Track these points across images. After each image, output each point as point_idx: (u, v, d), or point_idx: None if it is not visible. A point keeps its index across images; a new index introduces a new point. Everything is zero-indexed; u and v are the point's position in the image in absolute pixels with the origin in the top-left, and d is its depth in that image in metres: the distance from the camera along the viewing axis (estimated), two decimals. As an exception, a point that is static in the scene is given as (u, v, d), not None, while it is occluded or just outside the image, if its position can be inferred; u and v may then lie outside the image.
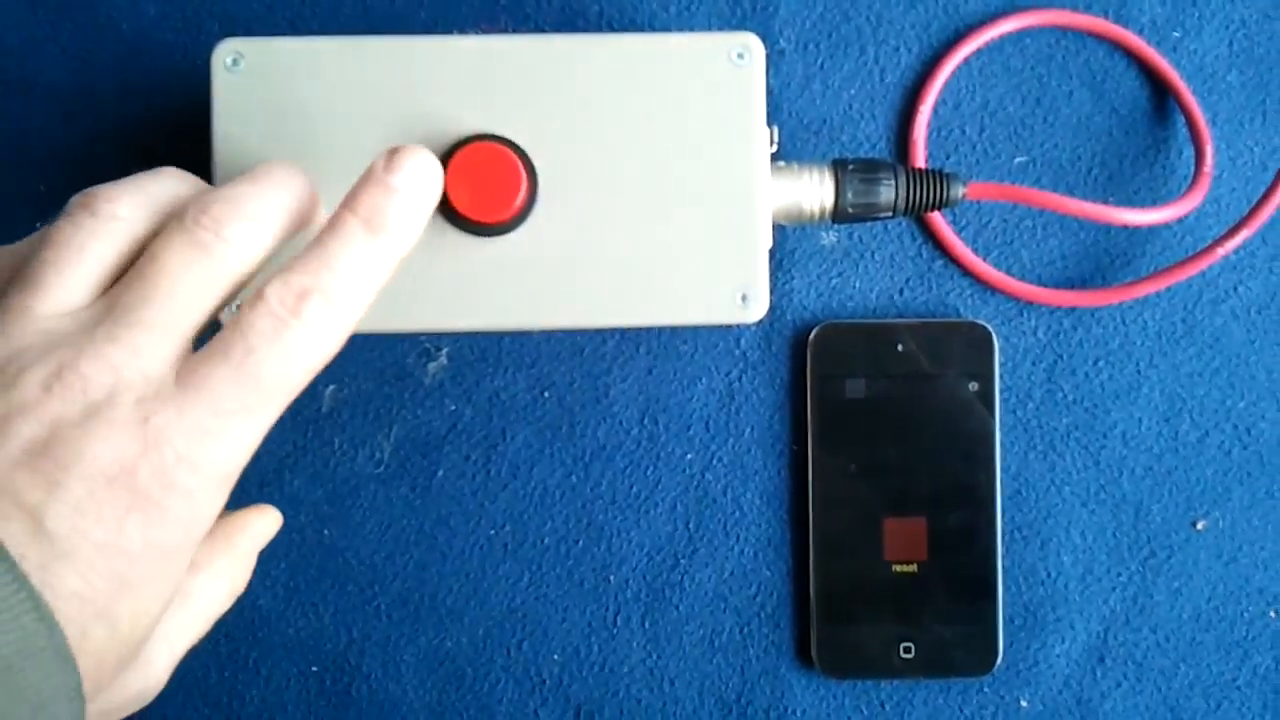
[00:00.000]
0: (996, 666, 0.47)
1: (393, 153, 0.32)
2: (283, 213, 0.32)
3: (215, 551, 0.34)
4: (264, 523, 0.36)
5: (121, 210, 0.31)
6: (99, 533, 0.27)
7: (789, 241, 0.48)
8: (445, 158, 0.38)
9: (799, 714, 0.47)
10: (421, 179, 0.32)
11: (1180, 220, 0.47)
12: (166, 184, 0.32)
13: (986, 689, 0.47)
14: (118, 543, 0.27)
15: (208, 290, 0.30)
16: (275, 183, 0.32)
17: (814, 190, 0.42)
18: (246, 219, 0.31)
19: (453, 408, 0.47)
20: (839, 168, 0.42)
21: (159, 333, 0.29)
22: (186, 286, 0.30)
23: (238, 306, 0.31)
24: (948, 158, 0.48)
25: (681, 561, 0.47)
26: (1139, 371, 0.48)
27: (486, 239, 0.39)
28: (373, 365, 0.47)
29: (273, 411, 0.30)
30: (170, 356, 0.29)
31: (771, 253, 0.41)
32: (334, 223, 0.31)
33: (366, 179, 0.32)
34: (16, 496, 0.26)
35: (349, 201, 0.31)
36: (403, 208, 0.32)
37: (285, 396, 0.30)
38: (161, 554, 0.28)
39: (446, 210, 0.38)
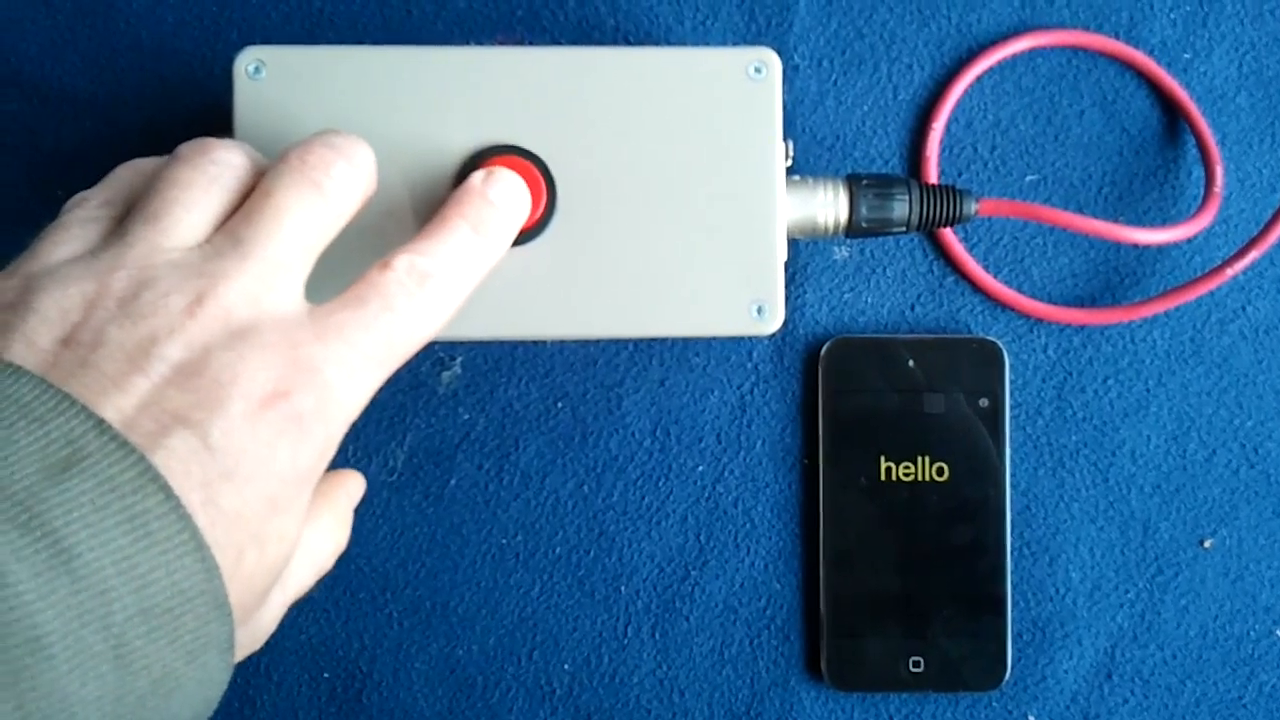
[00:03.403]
0: (1005, 681, 0.47)
1: (489, 173, 0.36)
2: (372, 164, 0.34)
3: (320, 508, 0.35)
4: (355, 483, 0.37)
5: (235, 159, 0.32)
6: (256, 451, 0.27)
7: (802, 256, 0.48)
8: (464, 168, 0.39)
9: (807, 727, 0.47)
10: (514, 197, 0.36)
11: (1190, 240, 0.48)
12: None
13: (995, 704, 0.47)
14: (270, 464, 0.28)
15: (322, 227, 0.32)
16: (355, 138, 0.34)
17: (828, 204, 0.42)
18: (348, 162, 0.33)
19: (466, 417, 0.47)
20: (853, 182, 0.43)
21: (286, 268, 0.30)
22: (305, 222, 0.31)
23: None
24: (959, 175, 0.49)
25: (692, 573, 0.47)
26: (1148, 390, 0.48)
27: (505, 249, 0.39)
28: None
29: (388, 370, 0.31)
30: (298, 292, 0.31)
31: (785, 266, 0.41)
32: (444, 220, 0.34)
33: (468, 191, 0.35)
34: (178, 414, 0.27)
35: (455, 207, 0.34)
36: (500, 219, 0.35)
37: (401, 358, 0.31)
38: (301, 479, 0.29)
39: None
